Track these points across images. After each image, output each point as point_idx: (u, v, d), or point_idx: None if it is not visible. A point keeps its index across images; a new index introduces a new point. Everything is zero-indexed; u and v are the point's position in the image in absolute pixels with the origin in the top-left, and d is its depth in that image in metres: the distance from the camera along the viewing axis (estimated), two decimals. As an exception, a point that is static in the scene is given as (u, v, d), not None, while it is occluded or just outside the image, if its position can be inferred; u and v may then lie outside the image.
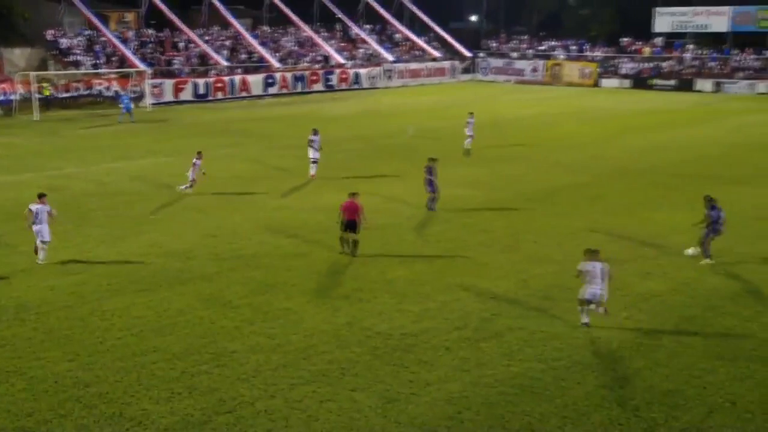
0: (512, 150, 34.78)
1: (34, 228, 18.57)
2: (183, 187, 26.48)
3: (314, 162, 28.69)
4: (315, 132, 28.98)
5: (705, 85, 62.07)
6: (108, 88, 51.98)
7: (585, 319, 14.84)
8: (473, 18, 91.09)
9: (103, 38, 57.83)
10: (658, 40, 68.98)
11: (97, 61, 55.27)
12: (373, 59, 69.36)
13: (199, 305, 16.07)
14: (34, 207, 18.59)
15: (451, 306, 16.00)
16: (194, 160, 26.36)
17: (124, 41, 57.62)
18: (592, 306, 14.63)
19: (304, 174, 28.96)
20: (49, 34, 57.09)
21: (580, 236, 20.87)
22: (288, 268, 18.42)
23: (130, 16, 68.15)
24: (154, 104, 52.18)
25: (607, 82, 67.16)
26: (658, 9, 69.20)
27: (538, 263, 18.74)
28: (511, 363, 13.40)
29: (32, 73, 48.64)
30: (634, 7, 74.32)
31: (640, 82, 65.23)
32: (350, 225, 19.15)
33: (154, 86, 53.61)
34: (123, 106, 45.54)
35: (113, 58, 56.10)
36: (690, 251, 19.07)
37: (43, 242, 18.63)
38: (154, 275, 17.96)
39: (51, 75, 52.78)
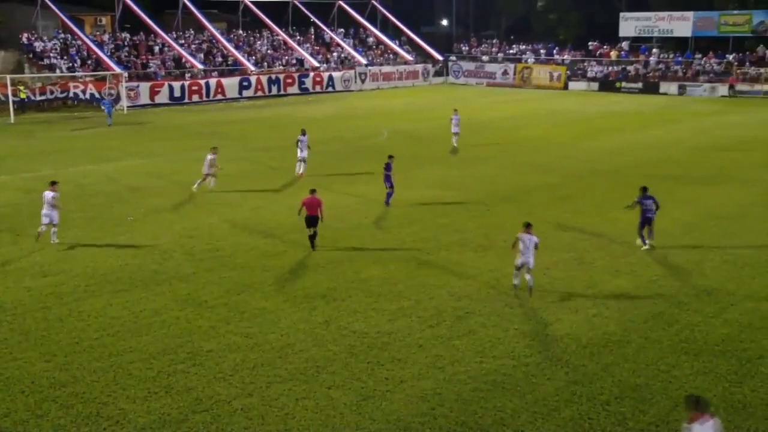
0: (485, 151, 34.89)
1: (43, 212, 20.29)
2: (196, 184, 26.51)
3: (302, 161, 29.10)
4: (303, 132, 29.52)
5: (670, 87, 62.68)
6: (84, 92, 51.43)
7: (515, 281, 16.86)
8: (444, 22, 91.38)
9: (79, 41, 57.27)
10: (624, 44, 69.56)
11: (73, 65, 54.73)
12: (346, 63, 69.35)
13: (175, 305, 15.96)
14: (44, 194, 20.51)
15: (425, 304, 16.01)
16: (208, 156, 26.55)
17: (100, 44, 57.09)
18: (528, 277, 16.41)
19: (281, 175, 28.91)
20: (24, 37, 56.41)
21: (551, 235, 20.96)
22: (264, 268, 18.34)
23: (105, 20, 67.65)
24: (130, 107, 51.84)
25: (576, 85, 67.60)
26: (623, 14, 69.88)
27: (509, 263, 18.71)
28: (484, 360, 13.43)
29: (8, 76, 48.05)
30: (601, 12, 74.97)
31: (607, 84, 65.73)
32: (311, 220, 19.86)
33: (130, 89, 53.24)
34: (106, 109, 45.47)
35: (89, 62, 55.59)
36: (639, 242, 19.85)
37: (53, 224, 20.31)
38: (131, 276, 17.81)
39: (26, 78, 52.23)
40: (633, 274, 17.89)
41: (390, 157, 25.18)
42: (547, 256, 19.09)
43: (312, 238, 19.89)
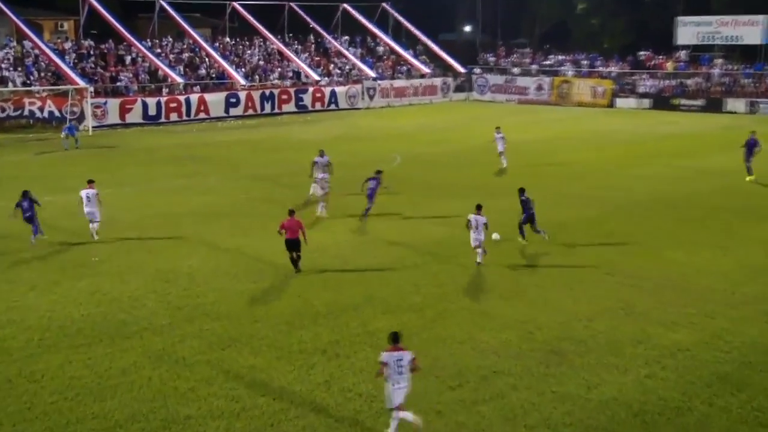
0: (514, 180, 34.88)
1: (86, 210, 25.08)
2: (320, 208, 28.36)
3: (321, 194, 29.12)
4: (321, 154, 30.69)
5: (737, 105, 62.78)
6: (41, 109, 51.64)
7: (479, 259, 22.20)
8: (467, 29, 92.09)
9: (36, 50, 57.79)
10: (682, 54, 69.79)
11: (28, 77, 55.20)
12: (352, 76, 69.86)
13: (147, 363, 15.95)
14: (84, 192, 25.19)
15: (443, 362, 15.96)
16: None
17: (61, 54, 57.59)
18: (479, 250, 21.99)
19: (274, 208, 28.97)
20: (-29, 45, 57.07)
21: (591, 280, 20.96)
22: (254, 319, 18.34)
23: (67, 25, 68.16)
24: (96, 127, 52.17)
25: (623, 102, 67.92)
26: (680, 18, 70.09)
27: (544, 312, 18.76)
28: (515, 430, 13.35)
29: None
30: (653, 16, 75.32)
31: (661, 101, 65.95)
32: (293, 244, 21.67)
33: (97, 106, 53.62)
34: (67, 132, 45.02)
35: (47, 74, 56.04)
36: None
37: (94, 221, 25.15)
38: (94, 327, 17.83)
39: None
40: (692, 327, 17.80)
41: (378, 171, 27.81)
42: (588, 305, 19.09)
43: (295, 261, 21.85)
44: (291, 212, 22.13)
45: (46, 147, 45.18)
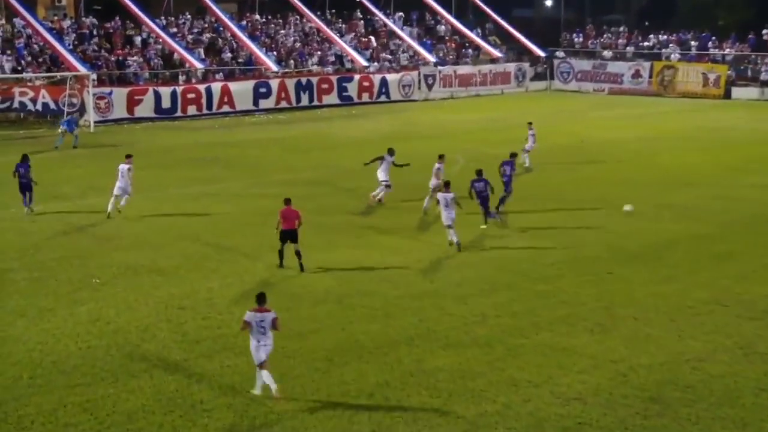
0: (603, 188, 34.72)
1: (117, 185, 30.08)
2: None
3: (386, 186, 32.17)
4: (390, 152, 32.96)
5: None
6: (34, 100, 52.03)
7: (454, 239, 25.86)
8: (548, 3, 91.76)
9: (28, 30, 58.31)
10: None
11: (20, 62, 55.80)
12: (407, 61, 69.90)
13: (157, 407, 16.03)
14: (120, 166, 30.43)
15: (516, 410, 15.88)
16: (437, 165, 31.19)
17: (57, 34, 57.98)
18: (451, 230, 25.28)
19: (311, 219, 29.09)
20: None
21: (702, 311, 20.72)
22: (285, 354, 18.37)
23: (65, 0, 68.71)
24: (99, 122, 52.51)
25: (742, 92, 67.31)
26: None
27: (642, 350, 18.60)
28: (605, 494, 13.26)
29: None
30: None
31: (789, 92, 65.24)
32: (289, 234, 23.91)
33: (100, 97, 54.02)
34: (66, 128, 45.55)
35: (41, 59, 56.62)
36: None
37: (122, 196, 30.27)
38: (95, 364, 17.97)
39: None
40: (827, 371, 17.55)
41: (512, 155, 31.89)
42: (698, 343, 18.88)
43: (297, 256, 23.97)
44: (287, 201, 24.38)
45: (38, 146, 45.56)
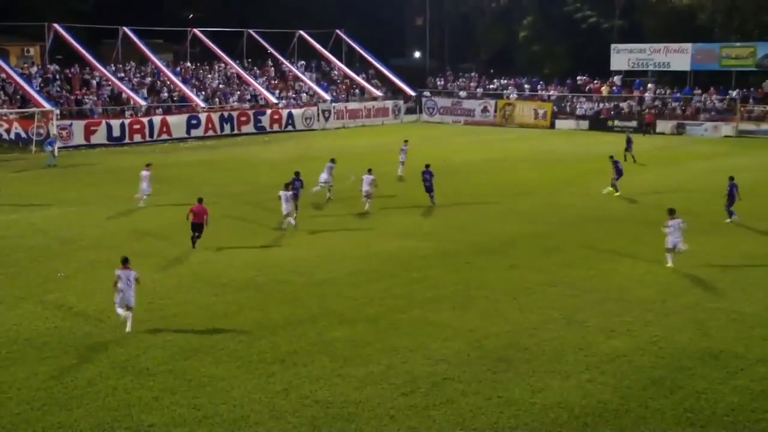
0: (463, 197, 35.13)
1: (142, 186, 32.36)
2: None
3: (324, 185, 33.86)
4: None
5: (667, 126, 63.75)
6: (8, 131, 51.25)
7: (293, 222, 27.84)
8: (417, 54, 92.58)
9: (2, 75, 56.96)
10: (617, 79, 70.80)
11: (-4, 100, 54.41)
12: (308, 99, 69.83)
13: (111, 373, 15.76)
14: (143, 172, 32.61)
15: (396, 369, 15.96)
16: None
17: (27, 78, 56.83)
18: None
19: (234, 224, 28.96)
20: (-61, 69, 56.10)
21: (537, 291, 21.13)
22: (215, 330, 18.21)
23: (33, 50, 67.41)
24: (62, 148, 51.28)
25: (563, 123, 68.58)
26: (614, 45, 71.01)
27: (492, 321, 18.85)
28: (465, 432, 13.38)
29: None
30: (590, 43, 76.37)
31: (598, 123, 66.71)
32: (197, 228, 25.21)
33: (62, 128, 53.01)
34: (49, 147, 45.97)
35: (14, 98, 55.29)
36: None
37: (144, 195, 32.29)
38: (60, 341, 17.59)
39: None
40: (630, 335, 18.00)
41: (296, 173, 30.17)
42: (533, 315, 19.23)
43: (194, 240, 25.39)
44: (200, 200, 25.73)
45: (12, 167, 44.41)
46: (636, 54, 69.79)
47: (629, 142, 46.91)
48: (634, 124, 65.02)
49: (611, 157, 36.91)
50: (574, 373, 15.74)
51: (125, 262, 18.45)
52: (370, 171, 32.32)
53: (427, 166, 33.33)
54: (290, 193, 27.83)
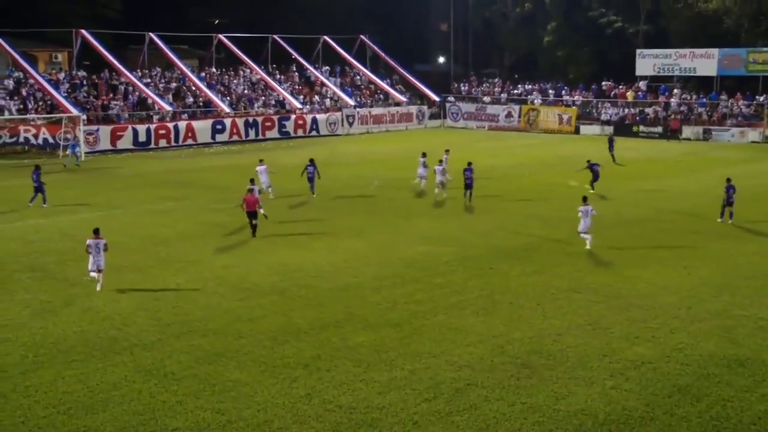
0: (486, 202, 35.04)
1: (262, 178, 34.59)
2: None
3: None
4: (446, 151, 39.50)
5: (692, 132, 63.33)
6: (36, 136, 51.75)
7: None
8: (441, 60, 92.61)
9: (31, 80, 57.55)
10: (642, 84, 70.43)
11: (25, 106, 54.90)
12: (332, 104, 69.97)
13: (136, 377, 15.83)
14: (258, 167, 35.48)
15: (420, 375, 15.93)
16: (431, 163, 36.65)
17: (55, 84, 57.36)
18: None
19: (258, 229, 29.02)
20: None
21: (561, 296, 21.02)
22: (239, 335, 18.25)
23: (61, 56, 68.07)
24: (89, 153, 51.99)
25: (588, 129, 68.29)
26: (640, 51, 70.76)
27: (515, 327, 18.78)
28: (488, 439, 13.33)
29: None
30: (615, 48, 76.03)
31: (623, 128, 66.27)
32: (252, 215, 27.46)
33: (89, 133, 53.46)
34: (71, 151, 47.76)
35: (42, 103, 55.80)
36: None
37: (270, 188, 34.56)
38: (86, 344, 17.69)
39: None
40: (655, 341, 17.87)
41: (311, 159, 34.54)
42: (558, 321, 19.14)
43: (254, 228, 27.54)
44: (250, 190, 27.80)
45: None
46: (661, 59, 69.39)
47: (611, 142, 50.02)
48: (659, 129, 64.72)
49: (588, 161, 38.41)
50: (598, 380, 15.64)
51: (96, 233, 21.70)
52: (441, 161, 36.33)
53: (469, 163, 34.92)
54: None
